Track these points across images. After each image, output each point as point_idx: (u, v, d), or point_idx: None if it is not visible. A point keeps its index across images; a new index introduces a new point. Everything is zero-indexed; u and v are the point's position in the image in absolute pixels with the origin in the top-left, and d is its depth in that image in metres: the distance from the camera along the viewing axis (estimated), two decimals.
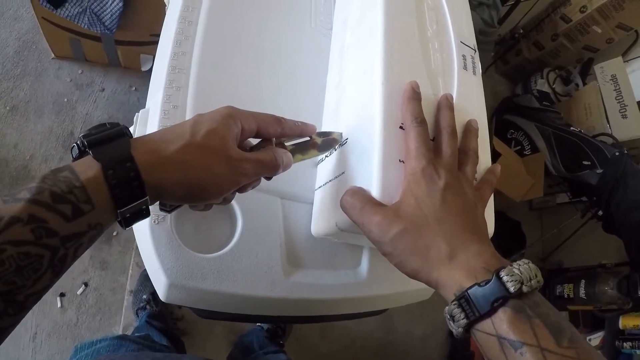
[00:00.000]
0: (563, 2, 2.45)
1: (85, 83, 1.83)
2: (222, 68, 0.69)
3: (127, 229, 0.45)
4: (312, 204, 0.69)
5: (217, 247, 0.62)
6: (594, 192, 1.97)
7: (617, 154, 1.89)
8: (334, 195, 0.61)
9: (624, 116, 2.20)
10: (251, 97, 0.71)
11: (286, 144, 0.56)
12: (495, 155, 2.10)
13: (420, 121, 0.53)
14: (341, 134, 0.62)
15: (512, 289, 0.41)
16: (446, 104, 0.58)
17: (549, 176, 2.22)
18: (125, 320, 1.60)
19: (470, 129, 0.60)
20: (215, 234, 0.64)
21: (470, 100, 0.65)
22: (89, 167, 0.38)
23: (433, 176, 0.50)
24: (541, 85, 2.56)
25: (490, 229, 0.60)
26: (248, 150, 0.52)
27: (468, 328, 0.44)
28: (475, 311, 0.42)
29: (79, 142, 0.41)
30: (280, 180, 0.67)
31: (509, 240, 2.18)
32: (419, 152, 0.51)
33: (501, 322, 0.41)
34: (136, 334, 0.99)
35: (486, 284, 0.42)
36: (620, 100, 2.22)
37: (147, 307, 1.52)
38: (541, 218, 2.71)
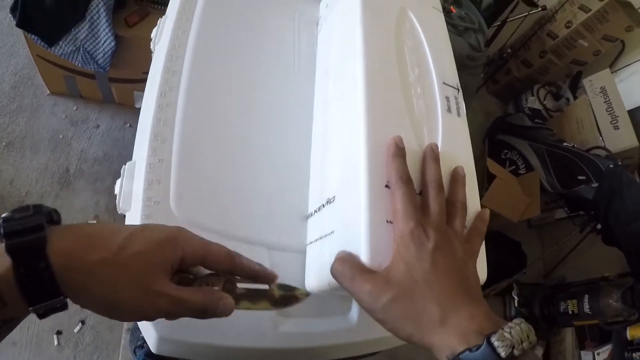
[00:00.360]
0: (548, 19, 2.48)
1: (80, 119, 1.85)
2: (207, 119, 0.70)
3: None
4: (301, 253, 0.69)
5: None
6: (591, 206, 1.97)
7: (611, 166, 1.89)
8: (325, 255, 0.60)
9: (616, 127, 2.21)
10: (237, 149, 0.71)
11: (239, 285, 0.53)
12: (490, 177, 2.11)
13: (406, 180, 0.53)
14: (307, 294, 0.58)
15: (503, 354, 0.40)
16: (431, 156, 0.58)
17: (545, 193, 2.22)
18: (122, 359, 1.59)
19: (457, 178, 0.60)
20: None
21: (455, 145, 0.66)
22: (1, 263, 0.37)
23: (422, 238, 0.50)
24: (532, 102, 2.58)
25: (483, 276, 0.60)
26: (190, 278, 0.49)
27: None
28: None
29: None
30: (266, 230, 0.68)
31: (509, 261, 2.17)
32: (406, 213, 0.51)
33: None
34: None
35: (477, 349, 0.42)
36: (611, 111, 2.24)
37: (145, 345, 1.51)
38: (541, 235, 2.70)
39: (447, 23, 1.62)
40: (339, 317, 0.70)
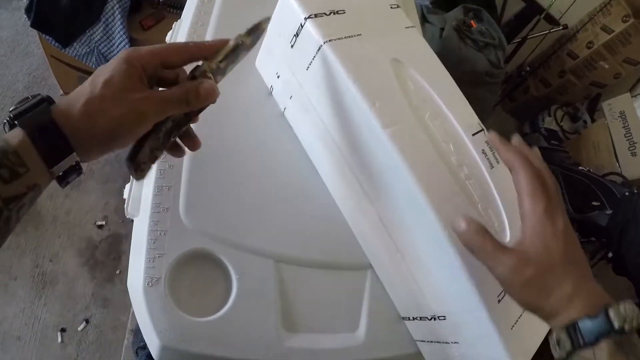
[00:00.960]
0: (569, 39, 2.44)
1: None
2: (220, 126, 0.69)
3: (64, 188, 0.49)
4: (308, 267, 0.68)
5: (212, 311, 0.61)
6: (604, 234, 1.93)
7: (627, 193, 1.85)
8: (455, 355, 0.64)
9: (634, 154, 2.16)
10: (250, 157, 0.71)
11: (216, 62, 0.52)
12: None
13: (527, 160, 0.54)
14: (268, 18, 0.57)
15: (616, 326, 0.44)
16: (512, 149, 0.56)
17: None
18: (125, 359, 1.58)
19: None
20: (210, 297, 0.63)
21: (509, 189, 0.65)
22: (17, 135, 0.42)
23: (554, 217, 0.51)
24: (549, 123, 2.54)
25: None
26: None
27: (571, 353, 0.46)
28: (581, 340, 0.45)
29: (7, 118, 0.44)
30: (274, 243, 0.67)
31: None
32: (535, 193, 0.51)
33: (601, 353, 0.44)
34: None
35: (595, 317, 0.45)
36: (630, 137, 2.19)
37: (147, 347, 1.50)
38: None
39: (467, 37, 1.61)
40: (346, 334, 0.68)
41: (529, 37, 2.25)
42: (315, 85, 0.65)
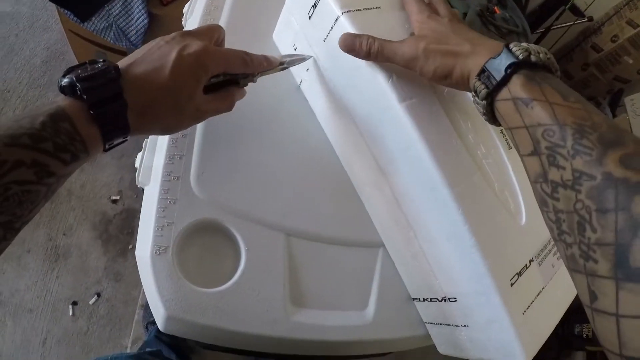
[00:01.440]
0: (594, 31, 2.40)
1: None
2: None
3: None
4: (318, 242, 0.67)
5: (219, 282, 0.61)
6: None
7: None
8: (463, 339, 0.64)
9: None
10: (263, 128, 0.70)
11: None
12: None
13: None
14: (311, 57, 0.67)
15: (520, 56, 0.45)
16: None
17: None
18: (134, 333, 1.59)
19: None
20: (217, 268, 0.63)
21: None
22: (89, 128, 0.44)
23: (437, 18, 0.57)
24: None
25: None
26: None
27: (491, 101, 0.48)
28: (492, 80, 0.47)
29: (77, 89, 0.43)
30: (285, 216, 0.66)
31: None
32: (420, 9, 0.59)
33: (515, 86, 0.45)
34: (147, 349, 0.98)
35: (498, 55, 0.47)
36: None
37: None
38: None
39: (491, 24, 1.58)
40: (354, 313, 0.67)
41: (552, 27, 2.21)
42: (331, 57, 0.64)
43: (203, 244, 0.63)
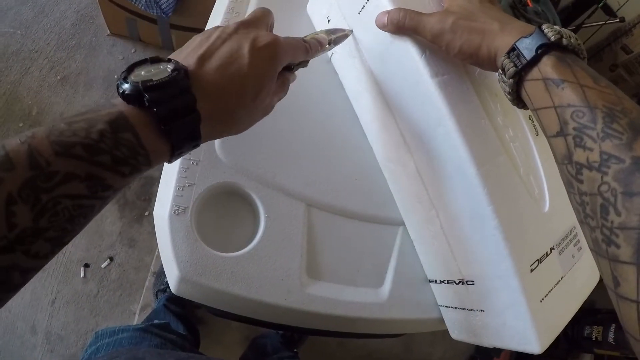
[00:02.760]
0: (625, 32, 2.35)
1: None
2: None
3: None
4: (339, 215, 0.67)
5: (235, 248, 0.61)
6: None
7: None
8: (478, 325, 0.64)
9: None
10: (292, 98, 0.69)
11: None
12: None
13: None
14: (351, 30, 0.66)
15: (552, 38, 0.45)
16: None
17: None
18: (144, 300, 1.61)
19: None
20: (235, 233, 0.62)
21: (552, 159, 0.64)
22: (156, 140, 0.39)
23: None
24: None
25: None
26: None
27: (518, 80, 0.47)
28: (522, 59, 0.46)
29: (145, 99, 0.38)
30: (307, 187, 0.65)
31: None
32: None
33: (545, 66, 0.45)
34: (155, 321, 0.98)
35: (530, 35, 0.46)
36: None
37: (167, 289, 1.52)
38: None
39: (522, 16, 1.55)
40: (370, 290, 0.67)
41: (584, 25, 2.17)
42: (365, 30, 0.63)
43: (223, 208, 0.63)
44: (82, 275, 1.60)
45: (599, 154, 0.37)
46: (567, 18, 2.15)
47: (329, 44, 0.59)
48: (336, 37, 0.61)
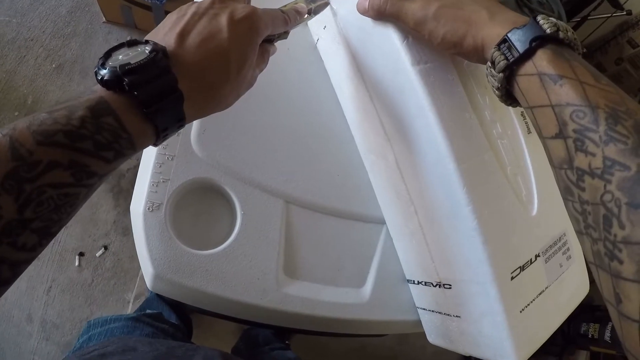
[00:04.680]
0: (632, 26, 2.32)
1: None
2: None
3: None
4: (317, 212, 0.65)
5: (211, 245, 0.59)
6: None
7: None
8: (454, 330, 0.62)
9: None
10: (271, 94, 0.67)
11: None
12: None
13: None
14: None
15: (548, 30, 0.42)
16: None
17: None
18: (138, 288, 1.61)
19: None
20: (211, 231, 0.61)
21: (544, 160, 0.62)
22: (138, 124, 0.38)
23: None
24: None
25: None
26: None
27: (509, 75, 0.44)
28: (514, 52, 0.43)
29: (125, 83, 0.37)
30: (286, 184, 0.64)
31: None
32: None
33: (541, 61, 0.41)
34: (148, 311, 0.98)
35: (523, 26, 0.43)
36: None
37: None
38: None
39: (525, 6, 1.52)
40: (350, 290, 0.65)
41: (589, 17, 2.14)
42: (349, 14, 0.61)
43: (198, 205, 0.61)
44: (77, 263, 1.61)
45: (602, 160, 0.35)
46: (572, 9, 2.12)
47: (309, 13, 0.58)
48: (316, 6, 0.60)
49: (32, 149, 0.33)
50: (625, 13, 2.19)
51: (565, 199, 0.39)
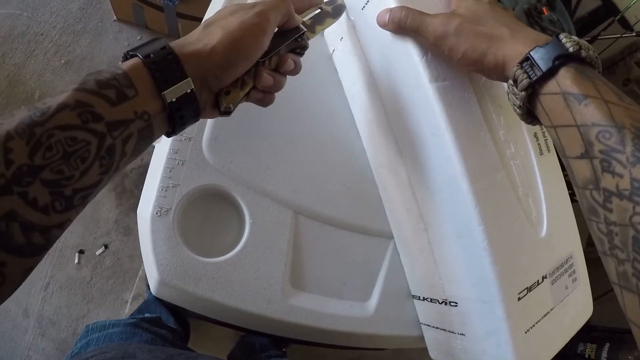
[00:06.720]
0: None
1: None
2: None
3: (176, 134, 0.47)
4: (327, 224, 0.65)
5: (218, 253, 0.59)
6: None
7: None
8: (458, 347, 0.61)
9: None
10: (282, 104, 0.66)
11: (304, 19, 0.55)
12: None
13: None
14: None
15: (571, 49, 0.42)
16: None
17: None
18: (136, 289, 1.60)
19: None
20: (219, 238, 0.61)
21: (555, 182, 0.61)
22: (130, 61, 0.41)
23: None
24: None
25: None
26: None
27: (531, 93, 0.44)
28: (537, 70, 0.43)
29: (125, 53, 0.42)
30: (295, 194, 0.63)
31: None
32: None
33: (564, 79, 0.41)
34: (147, 315, 0.97)
35: (546, 45, 0.43)
36: None
37: None
38: None
39: (537, 23, 1.53)
40: (355, 303, 0.65)
41: (599, 37, 2.14)
42: (368, 27, 0.60)
43: (207, 211, 0.61)
44: (76, 261, 1.60)
45: (629, 181, 0.35)
46: (582, 28, 2.12)
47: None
48: (333, 7, 0.60)
49: (46, 100, 0.36)
50: (635, 34, 2.20)
51: (589, 220, 0.39)
